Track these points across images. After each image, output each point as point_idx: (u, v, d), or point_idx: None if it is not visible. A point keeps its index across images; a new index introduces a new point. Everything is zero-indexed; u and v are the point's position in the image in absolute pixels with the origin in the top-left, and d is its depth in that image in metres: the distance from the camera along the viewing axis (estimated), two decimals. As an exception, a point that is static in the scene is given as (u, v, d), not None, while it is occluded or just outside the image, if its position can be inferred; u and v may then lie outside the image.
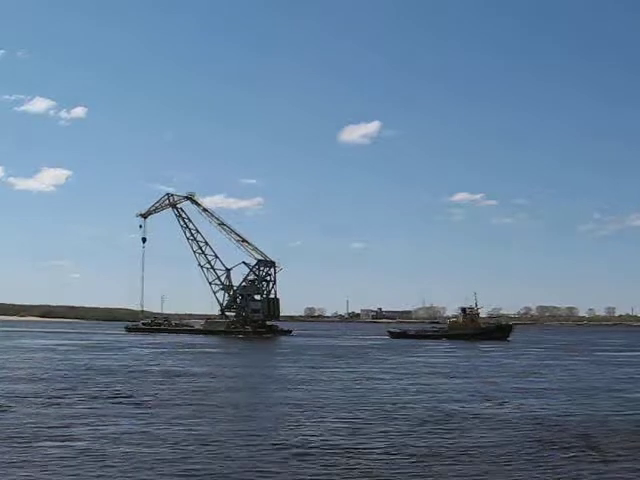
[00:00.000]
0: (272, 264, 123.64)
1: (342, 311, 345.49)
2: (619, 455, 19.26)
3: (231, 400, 29.90)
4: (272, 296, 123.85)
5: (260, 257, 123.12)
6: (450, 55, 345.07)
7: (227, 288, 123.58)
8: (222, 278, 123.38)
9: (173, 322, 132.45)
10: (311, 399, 30.36)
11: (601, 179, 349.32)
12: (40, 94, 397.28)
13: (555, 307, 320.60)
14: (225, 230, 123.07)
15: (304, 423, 23.91)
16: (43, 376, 38.95)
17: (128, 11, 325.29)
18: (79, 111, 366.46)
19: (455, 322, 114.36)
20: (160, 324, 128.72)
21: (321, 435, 21.56)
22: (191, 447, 19.37)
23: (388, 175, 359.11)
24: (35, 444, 19.32)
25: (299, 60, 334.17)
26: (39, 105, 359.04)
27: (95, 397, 29.72)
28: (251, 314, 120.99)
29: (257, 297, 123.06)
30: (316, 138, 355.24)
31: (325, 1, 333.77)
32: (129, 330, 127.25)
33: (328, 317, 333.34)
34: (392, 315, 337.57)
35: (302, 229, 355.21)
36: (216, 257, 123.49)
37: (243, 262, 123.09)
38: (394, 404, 29.14)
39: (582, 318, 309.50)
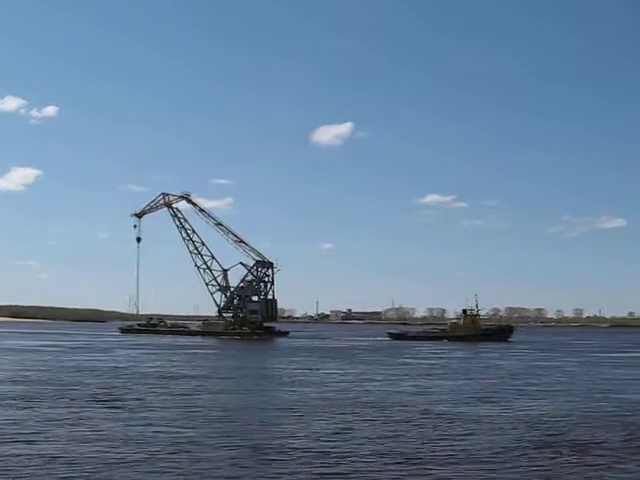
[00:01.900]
0: (270, 265, 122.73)
1: (312, 312, 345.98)
2: (607, 457, 18.85)
3: (219, 402, 29.33)
4: (270, 297, 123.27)
5: (258, 258, 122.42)
6: (424, 58, 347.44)
7: (224, 289, 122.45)
8: (219, 279, 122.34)
9: (169, 323, 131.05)
10: (303, 401, 29.82)
11: (572, 181, 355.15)
12: (11, 93, 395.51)
13: (524, 308, 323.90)
14: (222, 230, 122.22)
15: (291, 426, 23.36)
16: (28, 378, 38.27)
17: (101, 9, 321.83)
18: (50, 110, 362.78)
19: (456, 324, 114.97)
20: (155, 325, 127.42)
21: (305, 438, 21.01)
22: (167, 449, 18.89)
23: (360, 176, 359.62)
24: (3, 447, 18.74)
25: (272, 60, 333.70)
26: (10, 104, 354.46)
27: (78, 399, 29.11)
28: (249, 315, 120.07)
29: (255, 298, 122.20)
30: (289, 138, 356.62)
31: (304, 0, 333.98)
32: (124, 331, 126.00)
33: (298, 318, 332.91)
34: (362, 316, 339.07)
35: (273, 229, 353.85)
36: (213, 258, 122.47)
37: (240, 263, 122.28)
38: (387, 406, 28.64)
39: (551, 319, 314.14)
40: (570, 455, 19.18)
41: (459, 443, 20.57)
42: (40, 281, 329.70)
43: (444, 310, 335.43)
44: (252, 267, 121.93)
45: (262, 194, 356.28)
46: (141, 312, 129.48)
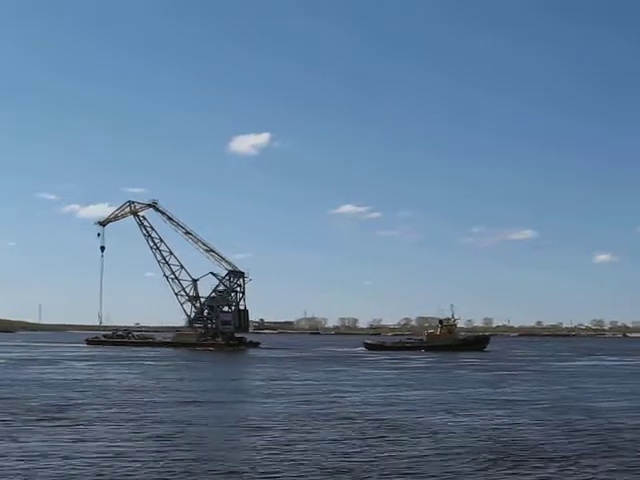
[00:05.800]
0: (241, 274, 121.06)
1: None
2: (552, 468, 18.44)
3: (173, 415, 28.10)
4: (241, 307, 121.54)
5: (229, 267, 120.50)
6: (340, 67, 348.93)
7: (193, 299, 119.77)
8: (188, 289, 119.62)
9: (135, 334, 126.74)
10: (259, 413, 28.95)
11: (482, 192, 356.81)
12: None
13: (433, 318, 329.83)
14: (192, 239, 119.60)
15: (237, 439, 22.56)
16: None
17: (6, 16, 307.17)
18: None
19: (433, 333, 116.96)
20: (122, 337, 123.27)
21: (245, 453, 20.20)
22: (87, 465, 17.88)
23: (275, 186, 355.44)
24: None
25: (189, 67, 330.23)
26: None
27: (20, 413, 27.73)
28: (221, 326, 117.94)
29: (225, 309, 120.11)
30: (205, 147, 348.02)
31: (218, 5, 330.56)
32: (89, 342, 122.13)
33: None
34: (274, 326, 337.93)
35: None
36: (181, 267, 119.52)
37: (211, 272, 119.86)
38: (345, 417, 27.84)
39: (461, 329, 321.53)
40: (515, 466, 18.78)
41: (402, 454, 19.99)
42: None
43: (356, 320, 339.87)
44: (224, 277, 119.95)
45: (177, 202, 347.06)
46: (104, 323, 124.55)
